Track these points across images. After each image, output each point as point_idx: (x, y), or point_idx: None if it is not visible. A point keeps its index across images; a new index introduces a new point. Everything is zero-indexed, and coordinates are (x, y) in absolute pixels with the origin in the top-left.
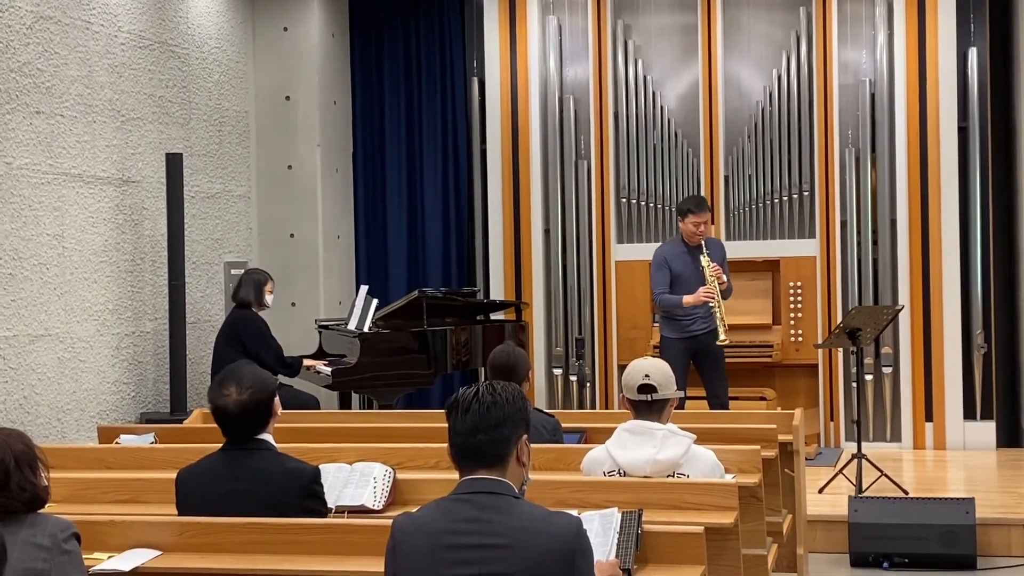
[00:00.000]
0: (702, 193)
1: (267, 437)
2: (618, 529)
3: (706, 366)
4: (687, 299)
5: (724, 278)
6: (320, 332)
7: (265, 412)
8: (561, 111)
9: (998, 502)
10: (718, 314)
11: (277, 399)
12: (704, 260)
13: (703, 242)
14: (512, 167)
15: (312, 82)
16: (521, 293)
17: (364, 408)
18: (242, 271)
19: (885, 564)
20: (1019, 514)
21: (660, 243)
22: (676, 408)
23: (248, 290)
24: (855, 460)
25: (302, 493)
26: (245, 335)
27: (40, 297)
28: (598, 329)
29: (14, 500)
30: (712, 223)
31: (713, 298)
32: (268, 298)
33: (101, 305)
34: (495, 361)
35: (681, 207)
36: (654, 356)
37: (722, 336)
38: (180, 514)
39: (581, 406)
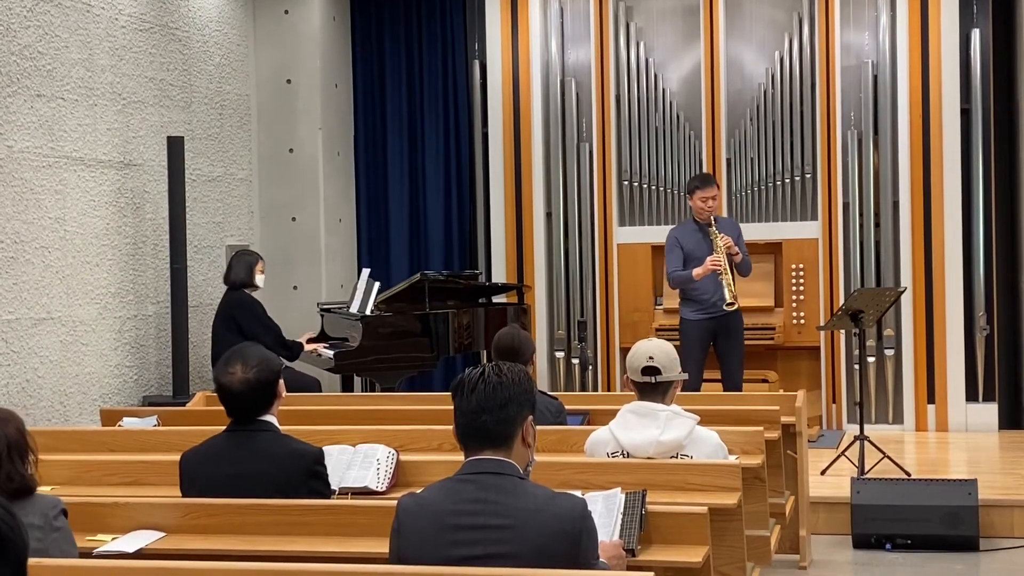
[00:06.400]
0: None
1: (271, 419)
2: (622, 510)
3: (726, 347)
4: (696, 271)
5: (736, 250)
6: (322, 315)
7: (269, 392)
8: (563, 94)
9: (1000, 483)
10: (725, 281)
11: (282, 381)
12: (713, 232)
13: (713, 219)
14: (514, 150)
15: (313, 65)
16: (523, 276)
17: (366, 391)
18: (234, 253)
19: (888, 545)
20: (1021, 495)
21: (662, 225)
22: (692, 391)
23: (240, 271)
24: (857, 442)
25: (306, 474)
26: (241, 317)
27: (42, 280)
28: (600, 312)
29: (0, 491)
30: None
31: (720, 265)
32: (259, 278)
33: (103, 288)
34: (500, 343)
35: (688, 185)
36: (657, 338)
37: (728, 299)
38: (184, 496)
39: (583, 389)
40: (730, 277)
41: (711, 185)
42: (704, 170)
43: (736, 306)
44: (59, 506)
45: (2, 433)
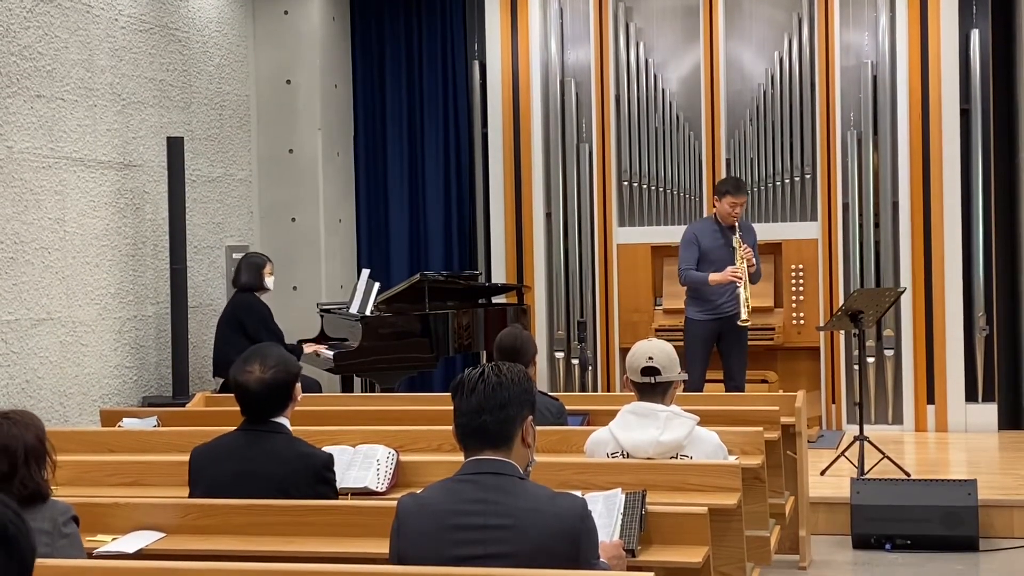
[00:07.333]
0: (703, 176)
1: (284, 421)
2: (622, 510)
3: (730, 347)
4: (713, 277)
5: (754, 261)
6: (322, 316)
7: (285, 394)
8: (562, 94)
9: (1000, 484)
10: (743, 295)
11: (299, 385)
12: (736, 241)
13: (738, 225)
14: (513, 150)
15: (313, 66)
16: (523, 276)
17: (366, 392)
18: (242, 255)
19: (887, 546)
20: (1021, 496)
21: (662, 226)
22: (695, 391)
23: (248, 274)
24: (857, 442)
25: (314, 479)
26: (247, 319)
27: (42, 281)
28: (599, 312)
29: (13, 495)
30: None
31: (740, 278)
32: (268, 280)
33: (103, 289)
34: (502, 343)
35: (719, 187)
36: (657, 338)
37: (744, 316)
38: (191, 491)
39: (583, 389)
40: (748, 293)
41: (743, 193)
42: (703, 171)
43: (750, 323)
44: (69, 513)
45: (21, 439)
